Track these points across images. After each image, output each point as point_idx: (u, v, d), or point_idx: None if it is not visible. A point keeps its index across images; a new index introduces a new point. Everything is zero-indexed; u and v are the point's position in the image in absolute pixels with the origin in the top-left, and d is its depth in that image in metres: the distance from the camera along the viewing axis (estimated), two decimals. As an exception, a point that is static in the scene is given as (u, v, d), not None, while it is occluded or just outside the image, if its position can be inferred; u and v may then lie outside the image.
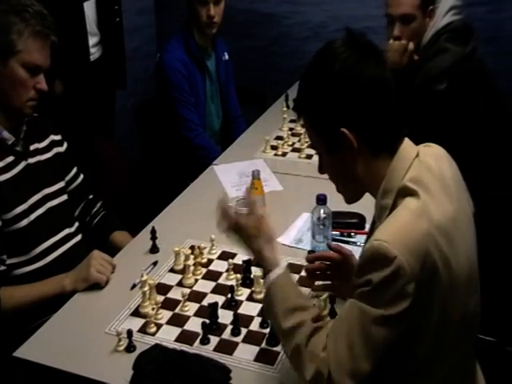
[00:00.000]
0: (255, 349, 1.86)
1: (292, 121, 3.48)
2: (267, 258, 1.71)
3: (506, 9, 4.15)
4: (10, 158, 2.21)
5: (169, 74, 3.51)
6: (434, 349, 1.53)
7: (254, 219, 1.77)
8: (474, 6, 3.83)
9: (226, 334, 1.93)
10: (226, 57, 3.82)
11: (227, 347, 1.87)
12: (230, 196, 2.72)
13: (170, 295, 2.11)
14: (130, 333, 1.85)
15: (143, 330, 1.94)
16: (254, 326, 1.96)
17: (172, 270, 2.24)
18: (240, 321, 1.94)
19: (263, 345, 1.88)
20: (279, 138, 3.34)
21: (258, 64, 4.83)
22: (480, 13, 4.00)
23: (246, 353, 1.85)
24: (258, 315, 2.01)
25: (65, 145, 2.48)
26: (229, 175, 2.96)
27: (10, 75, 2.13)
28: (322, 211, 2.24)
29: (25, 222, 2.20)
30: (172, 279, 2.19)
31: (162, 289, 2.13)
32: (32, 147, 2.31)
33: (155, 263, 2.27)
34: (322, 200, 2.24)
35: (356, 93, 1.53)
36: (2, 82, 2.14)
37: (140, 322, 1.98)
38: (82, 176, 2.54)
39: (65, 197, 2.41)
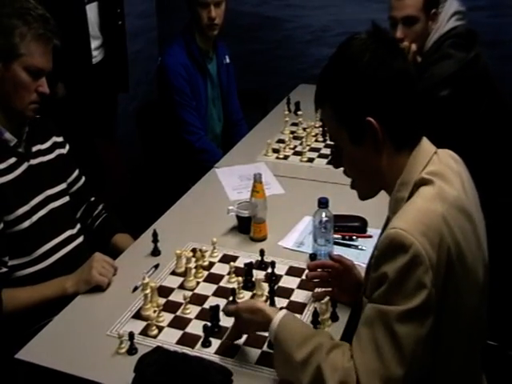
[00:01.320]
0: (257, 352, 1.86)
1: (294, 124, 3.49)
2: (266, 316, 1.71)
3: (507, 13, 4.17)
4: (12, 160, 2.21)
5: (170, 77, 3.51)
6: (448, 347, 1.52)
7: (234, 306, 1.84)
8: (476, 11, 3.85)
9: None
10: (227, 60, 3.82)
11: (229, 350, 1.87)
12: (231, 199, 2.73)
13: (171, 298, 2.11)
14: (131, 335, 1.85)
15: (145, 332, 1.94)
16: (256, 328, 1.97)
17: (173, 273, 2.24)
18: (241, 324, 1.94)
19: (264, 348, 1.87)
20: (281, 141, 3.34)
21: (261, 67, 4.84)
22: (482, 17, 4.02)
23: (247, 356, 1.85)
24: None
25: (67, 147, 2.48)
26: (230, 178, 2.97)
27: (12, 78, 2.13)
28: (323, 214, 2.24)
29: (27, 224, 2.20)
30: (173, 282, 2.19)
31: (164, 291, 2.13)
32: (34, 149, 2.32)
33: (157, 266, 2.27)
34: (323, 203, 2.24)
35: (385, 83, 1.54)
36: (4, 85, 2.14)
37: (141, 324, 1.97)
38: (83, 178, 2.54)
39: (67, 198, 2.41)
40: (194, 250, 2.30)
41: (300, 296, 2.10)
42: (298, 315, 1.92)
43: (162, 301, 2.06)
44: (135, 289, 2.13)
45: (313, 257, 2.25)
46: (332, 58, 1.63)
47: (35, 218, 2.24)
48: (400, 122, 1.58)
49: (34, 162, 2.29)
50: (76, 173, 2.50)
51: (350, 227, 2.44)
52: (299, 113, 3.50)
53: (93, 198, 2.59)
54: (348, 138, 1.60)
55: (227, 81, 3.82)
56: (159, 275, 2.23)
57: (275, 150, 3.23)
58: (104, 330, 1.96)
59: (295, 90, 4.05)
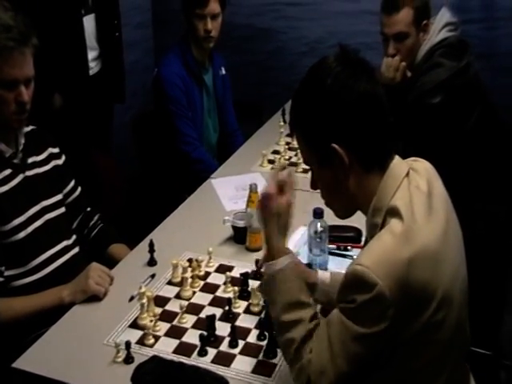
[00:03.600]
0: (253, 361, 1.87)
1: (289, 135, 3.50)
2: (275, 247, 1.71)
3: (500, 26, 4.19)
4: (8, 171, 2.22)
5: (166, 88, 3.53)
6: (424, 364, 1.55)
7: (284, 200, 1.75)
8: (469, 23, 3.87)
9: (224, 346, 1.94)
10: (223, 71, 3.84)
11: (225, 359, 1.89)
12: (227, 209, 2.75)
13: (167, 307, 2.13)
14: (128, 344, 1.87)
15: (141, 341, 1.95)
16: (252, 338, 1.98)
17: (170, 283, 2.25)
18: (237, 333, 1.95)
19: (260, 357, 1.89)
20: (276, 152, 3.36)
21: (255, 79, 4.85)
22: (475, 30, 4.05)
23: (243, 365, 1.86)
24: (256, 327, 2.02)
25: (63, 157, 2.49)
26: (226, 188, 2.98)
27: None
28: (318, 225, 2.26)
29: (22, 234, 2.21)
30: (170, 291, 2.21)
31: (160, 301, 2.14)
32: (30, 160, 2.32)
33: (153, 276, 2.28)
34: (318, 214, 2.25)
35: (347, 108, 1.54)
36: None
37: (138, 333, 1.99)
38: (79, 189, 2.55)
39: (62, 209, 2.41)
40: (190, 260, 2.32)
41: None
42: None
43: (159, 310, 2.08)
44: (132, 298, 2.15)
45: (308, 267, 2.26)
46: (300, 82, 1.65)
47: (30, 228, 2.25)
48: (366, 145, 1.57)
49: (29, 173, 2.30)
50: (72, 183, 2.51)
51: (345, 237, 2.46)
52: (294, 124, 3.51)
53: (89, 209, 2.60)
54: (316, 161, 1.64)
55: (223, 92, 3.84)
56: (156, 285, 2.24)
57: (270, 161, 3.25)
58: (101, 339, 1.97)
59: (290, 101, 4.04)
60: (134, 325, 2.03)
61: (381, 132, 1.59)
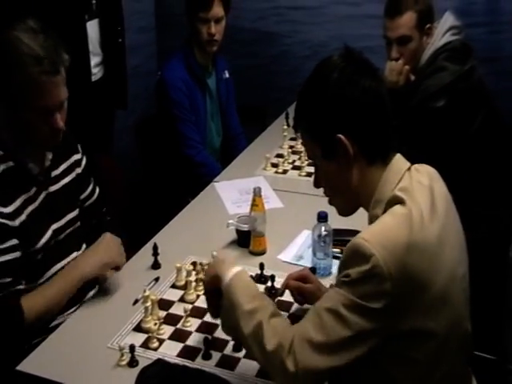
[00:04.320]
0: (257, 364, 1.85)
1: (292, 139, 3.50)
2: (220, 273, 1.76)
3: (504, 30, 4.19)
4: (34, 190, 2.16)
5: (169, 91, 3.53)
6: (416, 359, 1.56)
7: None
8: (473, 27, 3.87)
9: (228, 350, 1.94)
10: (227, 75, 3.84)
11: (229, 363, 1.88)
12: (231, 213, 2.74)
13: (171, 311, 2.12)
14: (132, 348, 1.86)
15: (145, 344, 1.95)
16: (256, 341, 1.97)
17: (174, 286, 2.25)
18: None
19: (265, 360, 1.89)
20: (280, 155, 3.36)
21: (259, 82, 4.85)
22: (479, 33, 4.04)
23: (247, 368, 1.86)
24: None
25: (83, 162, 2.43)
26: (229, 192, 2.99)
27: (20, 119, 2.06)
28: (322, 228, 2.26)
29: (43, 252, 2.18)
30: (174, 295, 2.20)
31: (164, 304, 2.14)
32: (53, 174, 2.26)
33: (157, 279, 2.28)
34: (322, 217, 2.26)
35: (352, 100, 1.59)
36: (18, 123, 2.08)
37: (142, 337, 1.99)
38: (96, 193, 2.52)
39: (77, 224, 2.37)
40: (194, 264, 2.32)
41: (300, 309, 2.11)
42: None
43: (163, 313, 2.08)
44: (136, 302, 2.15)
45: (312, 270, 2.26)
46: (306, 80, 1.70)
47: (51, 244, 2.21)
48: (370, 137, 1.62)
49: (52, 188, 2.24)
50: (90, 188, 2.47)
51: (349, 241, 2.45)
52: (298, 127, 3.51)
53: (104, 209, 2.57)
54: (321, 153, 1.66)
55: (226, 95, 3.84)
56: (159, 288, 2.24)
57: (274, 165, 3.25)
58: (105, 342, 1.97)
59: (294, 104, 4.04)
60: (138, 328, 2.03)
61: (383, 127, 1.64)
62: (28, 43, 2.00)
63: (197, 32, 3.51)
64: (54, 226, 2.23)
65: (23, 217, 2.09)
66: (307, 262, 2.35)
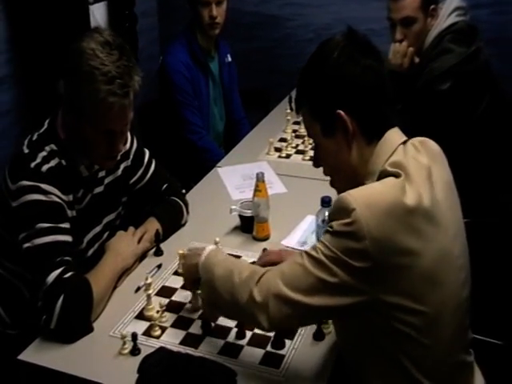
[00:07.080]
0: (260, 352, 1.85)
1: (296, 123, 3.48)
2: (195, 261, 1.82)
3: (510, 11, 4.15)
4: (81, 191, 2.17)
5: (172, 76, 3.51)
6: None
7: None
8: (478, 8, 3.83)
9: (231, 338, 1.92)
10: (229, 59, 3.82)
11: (232, 350, 1.87)
12: (234, 198, 2.72)
13: (174, 298, 2.11)
14: (134, 336, 1.84)
15: (148, 332, 1.94)
16: (259, 328, 1.96)
17: (176, 273, 2.23)
18: (245, 324, 1.92)
19: (268, 348, 1.87)
20: (283, 140, 3.33)
21: (262, 66, 4.83)
22: (484, 15, 4.01)
23: (250, 356, 1.84)
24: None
25: (132, 151, 2.42)
26: (232, 177, 2.97)
27: (82, 133, 2.03)
28: (326, 213, 2.23)
29: (90, 252, 2.24)
30: (176, 282, 2.18)
31: (167, 292, 2.13)
32: (100, 174, 2.26)
33: (159, 266, 2.26)
34: (326, 202, 2.23)
35: (352, 77, 1.61)
36: (77, 135, 2.06)
37: (145, 324, 1.97)
38: (150, 173, 2.50)
39: (118, 221, 2.41)
40: (196, 250, 2.29)
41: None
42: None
43: (165, 301, 2.06)
44: (138, 289, 2.13)
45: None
46: (310, 57, 1.72)
47: (97, 245, 2.27)
48: (369, 116, 1.64)
49: (96, 190, 2.25)
50: (140, 172, 2.45)
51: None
52: (301, 111, 3.49)
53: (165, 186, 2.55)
54: (320, 131, 1.67)
55: (229, 79, 3.82)
56: (162, 275, 2.22)
57: (277, 149, 3.22)
58: (107, 330, 1.95)
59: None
60: (141, 316, 2.01)
61: (383, 106, 1.66)
62: (102, 58, 1.94)
63: (198, 15, 3.48)
64: (97, 229, 2.27)
65: (74, 212, 2.12)
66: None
